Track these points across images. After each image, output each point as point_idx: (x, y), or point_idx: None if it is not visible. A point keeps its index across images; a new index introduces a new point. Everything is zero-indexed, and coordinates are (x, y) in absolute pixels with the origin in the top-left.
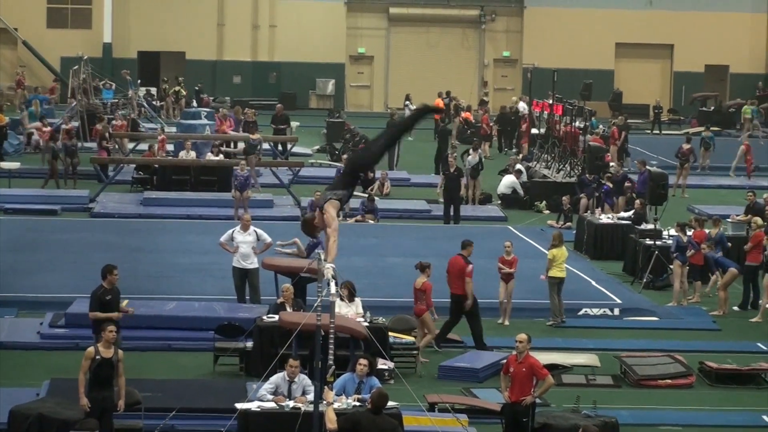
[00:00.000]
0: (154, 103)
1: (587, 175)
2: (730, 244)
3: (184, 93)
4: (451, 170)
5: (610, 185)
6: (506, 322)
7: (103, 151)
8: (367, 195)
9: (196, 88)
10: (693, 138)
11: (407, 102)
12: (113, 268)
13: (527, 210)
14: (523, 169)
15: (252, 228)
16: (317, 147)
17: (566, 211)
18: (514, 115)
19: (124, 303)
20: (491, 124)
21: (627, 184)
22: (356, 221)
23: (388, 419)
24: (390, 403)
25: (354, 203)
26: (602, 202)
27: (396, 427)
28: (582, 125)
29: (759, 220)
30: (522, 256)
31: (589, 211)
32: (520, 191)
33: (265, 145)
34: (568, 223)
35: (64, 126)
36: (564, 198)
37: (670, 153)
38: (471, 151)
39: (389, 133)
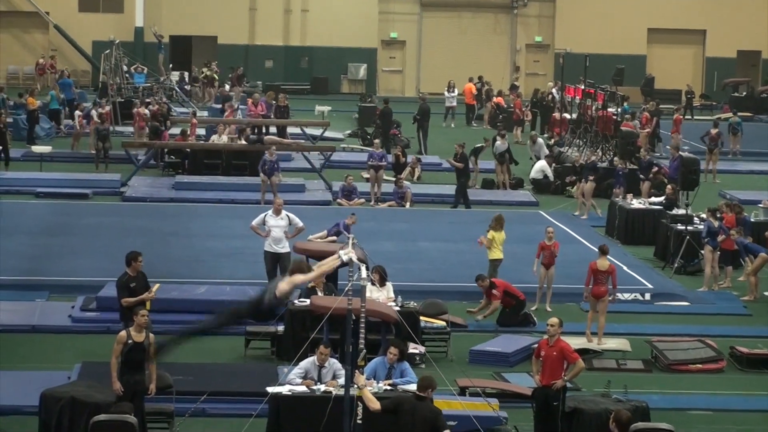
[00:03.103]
0: (186, 87)
1: (617, 160)
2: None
3: (216, 78)
4: (456, 156)
5: (626, 168)
6: (548, 308)
7: (165, 132)
8: (394, 180)
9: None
10: (721, 123)
11: (450, 89)
12: (138, 255)
13: (559, 195)
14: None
15: (284, 212)
16: (349, 132)
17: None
18: (546, 100)
19: (155, 288)
20: (524, 109)
21: (654, 169)
22: (389, 206)
23: (430, 406)
24: None
25: (387, 188)
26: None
27: (438, 416)
28: (615, 110)
29: None
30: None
31: (620, 197)
32: (551, 176)
33: (296, 130)
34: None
35: (96, 110)
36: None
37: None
38: (498, 137)
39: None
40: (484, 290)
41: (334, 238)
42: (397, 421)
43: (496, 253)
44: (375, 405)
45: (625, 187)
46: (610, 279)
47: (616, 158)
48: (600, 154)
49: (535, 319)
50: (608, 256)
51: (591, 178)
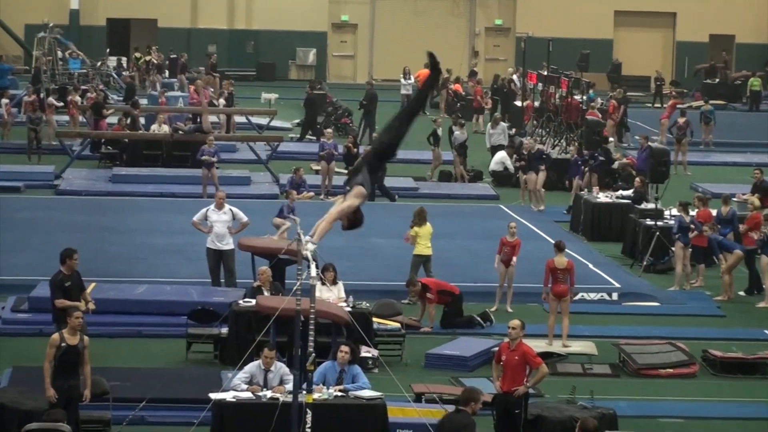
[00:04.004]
0: (124, 74)
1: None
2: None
3: (155, 62)
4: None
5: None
6: (509, 308)
7: (103, 121)
8: (346, 172)
9: (172, 56)
10: (693, 112)
11: (406, 76)
12: (73, 252)
13: (519, 188)
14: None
15: (227, 206)
16: (297, 121)
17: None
18: (507, 87)
19: (90, 287)
20: (485, 97)
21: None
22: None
23: (466, 414)
24: (373, 394)
25: (338, 181)
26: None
27: (470, 424)
28: (580, 98)
29: (756, 201)
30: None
31: (585, 190)
32: (511, 167)
33: (242, 119)
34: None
35: (26, 98)
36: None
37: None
38: (456, 126)
39: (404, 114)
40: (418, 295)
41: (286, 224)
42: None
43: (422, 249)
44: None
45: (582, 178)
46: (569, 277)
47: (571, 148)
48: (564, 144)
49: (479, 320)
50: (569, 252)
51: (542, 168)
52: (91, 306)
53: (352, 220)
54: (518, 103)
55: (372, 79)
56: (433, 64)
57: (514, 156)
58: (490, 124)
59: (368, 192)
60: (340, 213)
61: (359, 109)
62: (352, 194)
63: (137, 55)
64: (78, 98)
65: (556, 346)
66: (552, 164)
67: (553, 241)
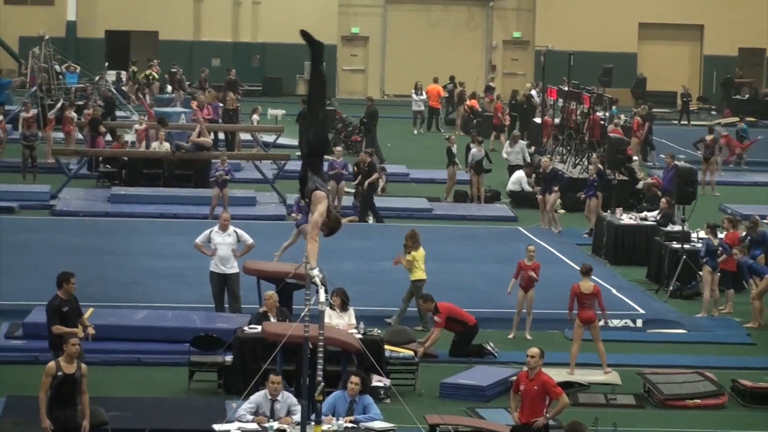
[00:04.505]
0: (123, 88)
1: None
2: None
3: (156, 77)
4: (363, 165)
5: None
6: (528, 336)
7: (99, 138)
8: (353, 192)
9: (173, 70)
10: (727, 129)
11: (418, 92)
12: (70, 276)
13: (539, 209)
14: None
15: (232, 228)
16: None
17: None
18: (526, 103)
19: (88, 313)
20: (504, 113)
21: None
22: (350, 221)
23: None
24: (385, 425)
25: (347, 201)
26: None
27: None
28: (603, 115)
29: None
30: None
31: (609, 211)
32: (527, 188)
33: (247, 136)
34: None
35: (23, 114)
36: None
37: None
38: (473, 144)
39: (312, 91)
40: (429, 313)
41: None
42: None
43: (419, 274)
44: None
45: (599, 198)
46: (596, 302)
47: (591, 166)
48: (585, 163)
49: (490, 348)
50: (592, 277)
51: (555, 188)
52: (91, 330)
53: (329, 225)
54: (538, 120)
55: (371, 97)
56: (307, 40)
57: (533, 176)
58: (508, 142)
59: (325, 190)
60: (315, 226)
61: (359, 125)
62: (314, 202)
63: (134, 69)
64: (74, 114)
65: (578, 376)
66: (569, 184)
67: (574, 265)
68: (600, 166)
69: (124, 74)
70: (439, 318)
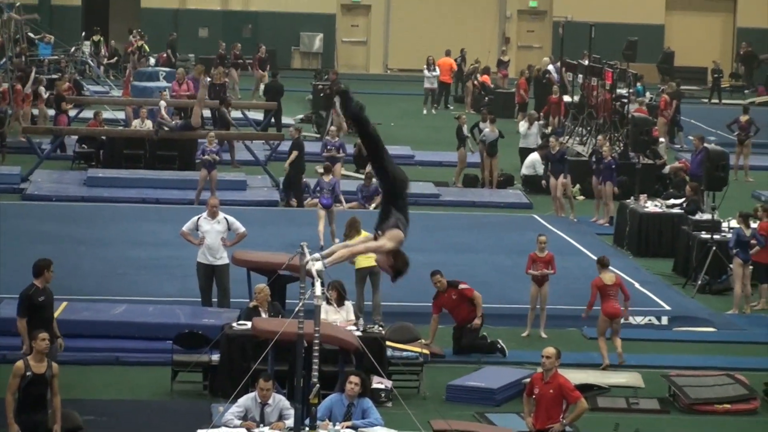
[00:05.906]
0: (102, 60)
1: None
2: None
3: (147, 50)
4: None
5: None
6: (543, 334)
7: (63, 116)
8: (363, 176)
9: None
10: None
11: (431, 68)
12: (49, 264)
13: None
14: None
15: (222, 215)
16: (301, 116)
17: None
18: (545, 79)
19: (61, 307)
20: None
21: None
22: (350, 207)
23: None
24: (386, 431)
25: (350, 186)
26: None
27: None
28: (626, 92)
29: None
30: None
31: (632, 198)
32: (540, 171)
33: (237, 114)
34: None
35: None
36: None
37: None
38: (483, 123)
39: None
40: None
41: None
42: None
43: (362, 261)
44: None
45: (614, 182)
46: (620, 293)
47: (605, 148)
48: (608, 144)
49: (502, 346)
50: (610, 268)
51: (563, 171)
52: (60, 341)
53: (394, 266)
54: (567, 98)
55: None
56: (344, 102)
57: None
58: (523, 122)
59: (406, 234)
60: (367, 250)
61: (321, 97)
62: (386, 237)
63: (95, 38)
64: (43, 89)
65: (598, 378)
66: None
67: (594, 256)
68: (605, 148)
69: (103, 46)
70: (454, 294)
